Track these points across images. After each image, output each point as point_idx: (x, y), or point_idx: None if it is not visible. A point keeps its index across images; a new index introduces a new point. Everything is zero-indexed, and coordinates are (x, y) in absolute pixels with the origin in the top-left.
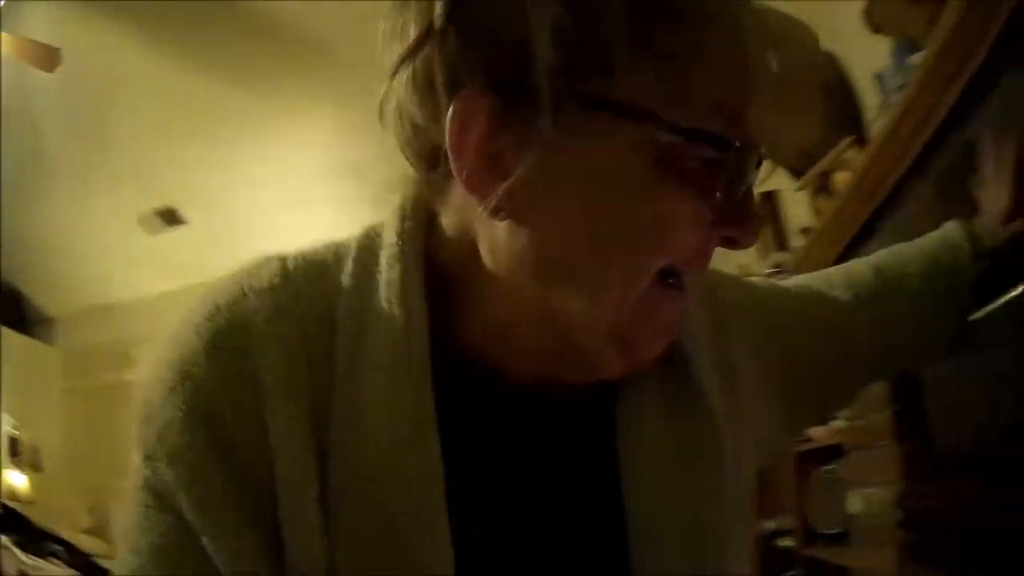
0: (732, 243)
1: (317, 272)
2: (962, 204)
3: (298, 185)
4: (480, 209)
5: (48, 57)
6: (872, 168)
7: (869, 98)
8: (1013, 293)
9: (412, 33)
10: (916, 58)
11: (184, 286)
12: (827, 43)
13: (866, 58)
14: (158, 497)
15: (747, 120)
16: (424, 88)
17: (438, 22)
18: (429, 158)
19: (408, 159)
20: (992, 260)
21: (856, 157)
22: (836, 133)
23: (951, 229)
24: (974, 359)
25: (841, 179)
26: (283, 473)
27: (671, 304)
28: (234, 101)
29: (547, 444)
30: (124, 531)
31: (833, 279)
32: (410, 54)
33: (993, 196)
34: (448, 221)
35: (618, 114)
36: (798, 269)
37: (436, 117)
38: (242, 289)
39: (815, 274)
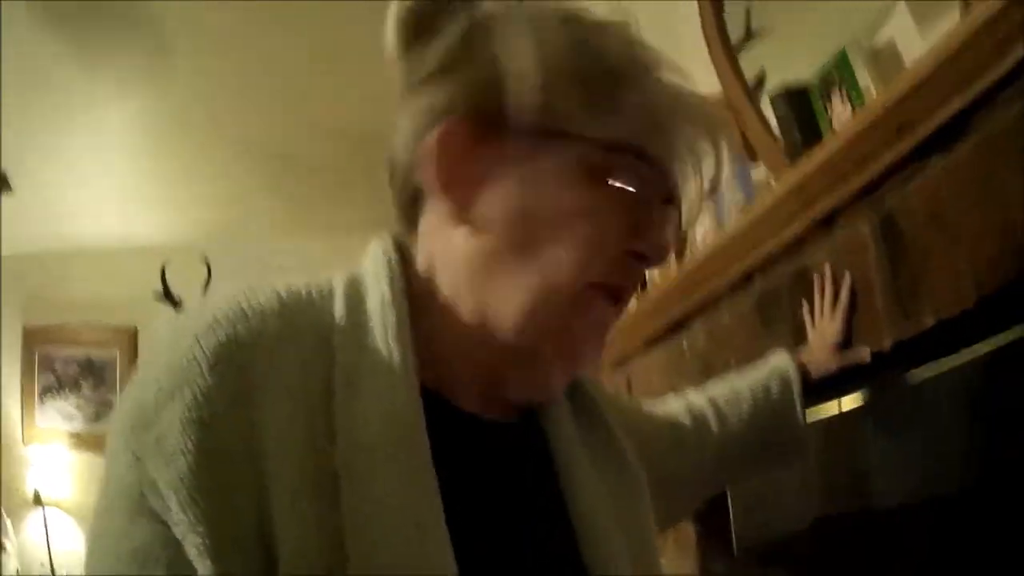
0: (643, 259)
1: (309, 306)
2: (779, 324)
3: (117, 166)
4: (446, 216)
5: None
6: (695, 273)
7: None
8: (826, 415)
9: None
10: (758, 173)
11: None
12: None
13: None
14: (143, 500)
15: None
16: (419, 123)
17: (443, 72)
18: (410, 200)
19: (396, 208)
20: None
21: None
22: None
23: (782, 362)
24: None
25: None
26: (281, 499)
27: (603, 309)
28: (67, 69)
29: (503, 463)
30: (97, 535)
31: (672, 407)
32: (421, 86)
33: (825, 327)
34: (418, 259)
35: (559, 137)
36: None
37: (421, 150)
38: (241, 307)
39: (655, 404)
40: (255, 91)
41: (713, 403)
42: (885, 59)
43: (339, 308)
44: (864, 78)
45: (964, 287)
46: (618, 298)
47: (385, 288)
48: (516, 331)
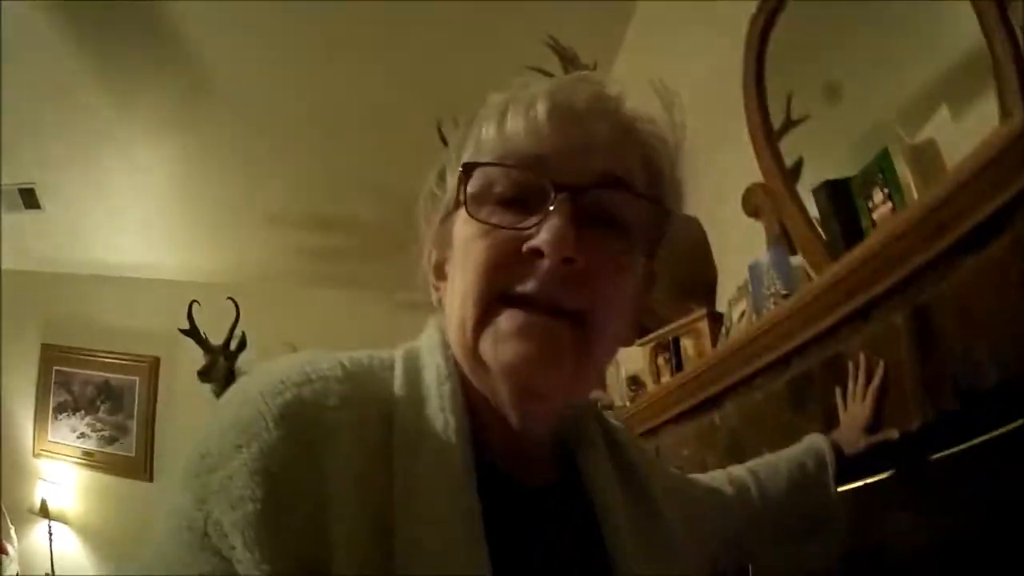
0: (538, 254)
1: (370, 375)
2: (810, 404)
3: (149, 200)
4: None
5: None
6: (730, 358)
7: (728, 273)
8: (855, 484)
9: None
10: (796, 260)
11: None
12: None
13: (742, 240)
14: (205, 537)
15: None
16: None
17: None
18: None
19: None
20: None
21: (707, 329)
22: (687, 298)
23: (817, 441)
24: None
25: (689, 345)
26: (340, 545)
27: (521, 318)
28: (106, 100)
29: (550, 527)
30: (157, 562)
31: (715, 475)
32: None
33: (856, 411)
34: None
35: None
36: (625, 414)
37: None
38: (305, 372)
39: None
40: (290, 144)
41: (753, 473)
42: (926, 158)
43: (399, 379)
44: (904, 173)
45: (988, 373)
46: (543, 306)
47: (440, 362)
48: (467, 369)
